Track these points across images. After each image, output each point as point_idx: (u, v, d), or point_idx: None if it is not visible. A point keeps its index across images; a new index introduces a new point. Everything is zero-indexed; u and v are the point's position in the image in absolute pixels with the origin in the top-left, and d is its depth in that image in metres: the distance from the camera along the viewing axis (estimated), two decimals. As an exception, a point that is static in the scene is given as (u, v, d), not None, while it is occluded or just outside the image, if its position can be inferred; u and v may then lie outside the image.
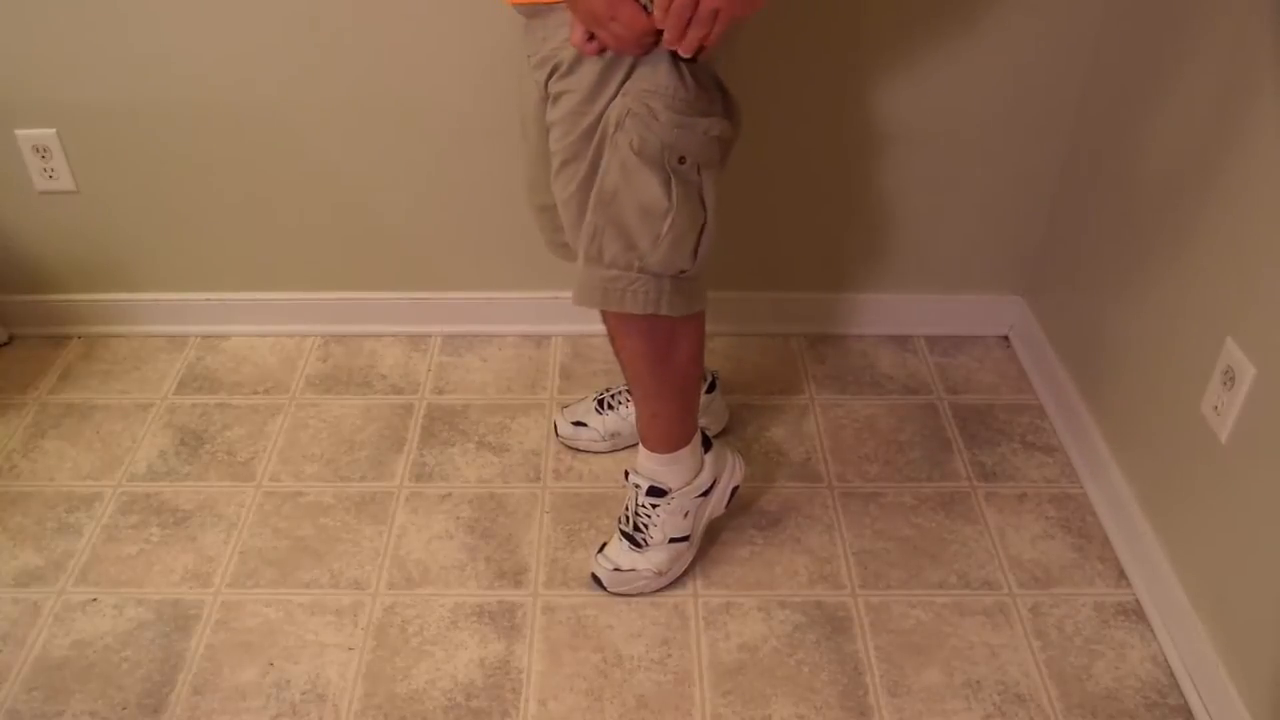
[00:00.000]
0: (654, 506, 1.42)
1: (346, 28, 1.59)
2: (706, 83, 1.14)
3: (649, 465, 1.41)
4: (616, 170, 1.14)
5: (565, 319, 1.90)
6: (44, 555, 1.51)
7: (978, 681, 1.35)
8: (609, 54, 1.11)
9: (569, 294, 1.84)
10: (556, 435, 1.69)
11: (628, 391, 1.66)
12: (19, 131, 1.70)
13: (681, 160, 1.14)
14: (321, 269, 1.86)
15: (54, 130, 1.70)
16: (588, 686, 1.34)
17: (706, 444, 1.45)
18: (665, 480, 1.41)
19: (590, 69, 1.13)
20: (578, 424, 1.67)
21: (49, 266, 1.86)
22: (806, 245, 1.82)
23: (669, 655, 1.38)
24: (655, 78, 1.11)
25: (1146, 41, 1.46)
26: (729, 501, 1.49)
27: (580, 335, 1.91)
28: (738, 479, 1.49)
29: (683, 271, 1.21)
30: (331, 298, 1.89)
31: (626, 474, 1.45)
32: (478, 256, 1.84)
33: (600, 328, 1.90)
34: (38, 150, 1.71)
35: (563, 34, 1.13)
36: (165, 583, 1.48)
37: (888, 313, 1.90)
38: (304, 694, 1.33)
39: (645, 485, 1.41)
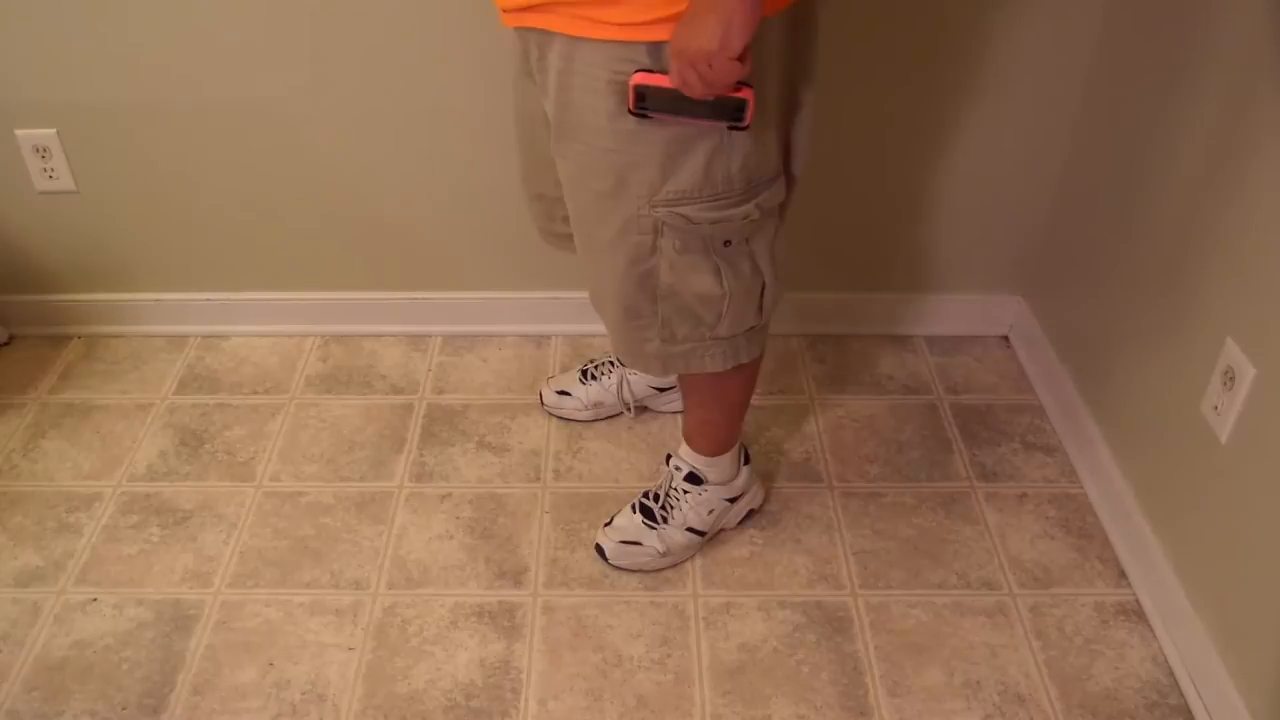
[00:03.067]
0: (685, 493, 1.46)
1: (346, 28, 1.59)
2: (760, 149, 1.11)
3: (691, 459, 1.46)
4: (667, 269, 1.16)
5: (565, 319, 1.90)
6: (44, 555, 1.51)
7: (978, 681, 1.35)
8: (641, 123, 1.05)
9: (569, 294, 1.87)
10: (541, 404, 1.73)
11: (610, 363, 1.71)
12: (19, 131, 1.69)
13: (727, 243, 1.15)
14: (321, 269, 1.86)
15: (54, 130, 1.69)
16: (588, 686, 1.34)
17: (746, 459, 1.50)
18: (705, 473, 1.46)
19: (607, 162, 1.09)
20: (562, 393, 1.71)
21: (49, 266, 1.86)
22: (806, 245, 1.82)
23: (669, 655, 1.38)
24: (682, 179, 1.09)
25: (1149, 42, 1.46)
26: (741, 520, 1.54)
27: (580, 335, 1.91)
28: (756, 503, 1.55)
29: (752, 326, 1.25)
30: (331, 298, 1.89)
31: (668, 458, 1.49)
32: (478, 256, 1.84)
33: (598, 328, 1.92)
34: (38, 150, 1.71)
35: (558, 84, 1.08)
36: (165, 583, 1.48)
37: (888, 313, 1.90)
38: (304, 694, 1.33)
39: (685, 470, 1.46)
